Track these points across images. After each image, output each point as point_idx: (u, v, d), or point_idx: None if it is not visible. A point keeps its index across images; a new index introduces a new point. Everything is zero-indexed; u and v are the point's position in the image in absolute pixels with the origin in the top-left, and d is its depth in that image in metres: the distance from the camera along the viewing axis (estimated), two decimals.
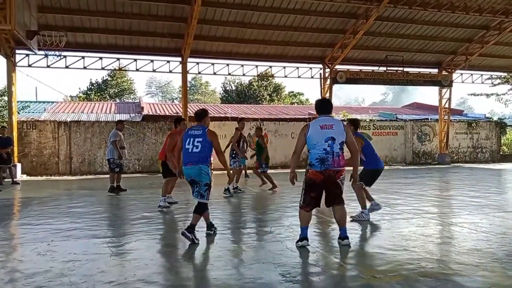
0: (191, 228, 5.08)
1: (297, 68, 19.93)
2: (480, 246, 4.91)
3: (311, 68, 20.12)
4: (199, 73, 19.53)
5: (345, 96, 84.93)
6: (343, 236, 4.94)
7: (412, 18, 18.01)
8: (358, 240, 5.30)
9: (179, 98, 47.76)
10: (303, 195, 4.94)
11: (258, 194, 10.37)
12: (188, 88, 18.77)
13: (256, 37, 17.78)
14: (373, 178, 6.64)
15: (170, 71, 18.13)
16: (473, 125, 23.70)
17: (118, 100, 36.61)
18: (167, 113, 21.55)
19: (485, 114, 29.59)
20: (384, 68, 20.15)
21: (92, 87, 40.49)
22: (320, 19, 17.30)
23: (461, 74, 22.47)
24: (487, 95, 28.42)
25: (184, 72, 17.69)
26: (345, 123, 5.06)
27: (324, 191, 4.88)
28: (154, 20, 15.87)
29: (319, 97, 20.34)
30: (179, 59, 17.56)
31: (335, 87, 20.48)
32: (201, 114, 5.53)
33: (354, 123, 6.71)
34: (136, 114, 20.85)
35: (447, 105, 22.06)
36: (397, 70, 20.24)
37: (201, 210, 5.25)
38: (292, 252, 4.69)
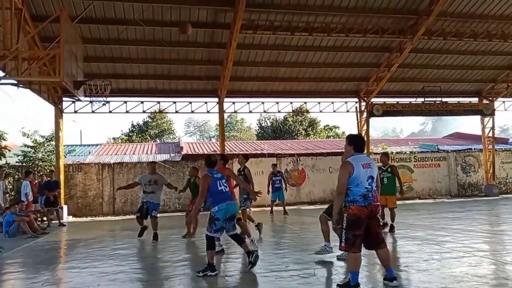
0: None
1: (332, 103, 19.98)
2: None
3: (346, 102, 20.12)
4: (235, 111, 19.95)
5: (381, 127, 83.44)
6: (391, 277, 4.80)
7: (448, 49, 17.81)
8: (406, 282, 5.08)
9: (216, 136, 48.63)
10: (344, 235, 4.73)
11: (296, 232, 10.21)
12: (224, 126, 19.15)
13: (290, 75, 18.08)
14: None
15: (208, 112, 18.62)
16: None
17: (158, 141, 37.72)
18: (205, 152, 21.93)
19: None
20: (422, 99, 19.84)
21: (134, 129, 41.99)
22: (353, 54, 17.44)
23: (504, 102, 21.75)
24: None
25: (221, 112, 18.12)
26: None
27: (365, 229, 4.71)
28: (191, 64, 16.52)
29: (356, 130, 20.16)
30: (216, 99, 18.05)
31: (373, 119, 20.28)
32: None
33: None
34: (176, 154, 21.35)
35: (490, 134, 21.28)
36: (435, 101, 19.86)
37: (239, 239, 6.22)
38: None
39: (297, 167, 19.65)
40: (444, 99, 19.99)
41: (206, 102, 18.42)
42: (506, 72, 19.70)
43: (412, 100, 20.06)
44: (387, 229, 9.02)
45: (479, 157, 21.77)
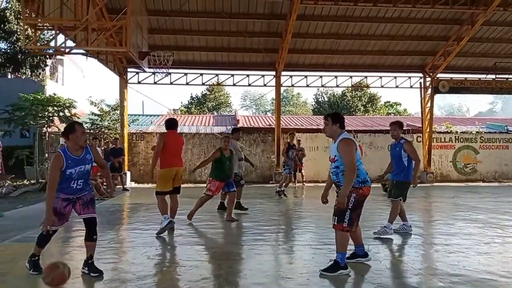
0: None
1: (395, 77, 19.17)
2: None
3: (410, 78, 19.22)
4: (293, 85, 19.76)
5: (447, 105, 79.33)
6: (365, 253, 4.94)
7: None
8: (466, 264, 4.90)
9: (271, 110, 48.70)
10: (349, 215, 4.47)
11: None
12: (280, 100, 19.10)
13: (351, 47, 17.52)
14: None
15: (265, 85, 18.63)
16: None
17: (215, 113, 38.48)
18: (261, 125, 22.08)
19: None
20: (493, 76, 18.51)
21: (193, 101, 43.09)
22: (420, 26, 16.52)
23: None
24: None
25: (278, 86, 18.06)
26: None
27: None
28: (250, 36, 16.49)
29: (419, 107, 19.35)
30: (273, 73, 17.98)
31: (438, 96, 19.30)
32: None
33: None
34: (232, 126, 21.70)
35: None
36: (507, 78, 18.46)
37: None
38: (391, 273, 4.53)
39: None
40: None
41: (263, 75, 18.41)
42: None
43: (482, 77, 18.79)
44: None
45: None
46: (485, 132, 20.67)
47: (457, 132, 20.37)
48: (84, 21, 10.26)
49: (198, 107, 39.81)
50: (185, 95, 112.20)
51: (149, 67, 13.73)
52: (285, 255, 5.56)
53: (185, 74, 18.17)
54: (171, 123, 6.98)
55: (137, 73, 17.63)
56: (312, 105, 47.13)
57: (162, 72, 14.11)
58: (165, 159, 6.64)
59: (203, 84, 18.94)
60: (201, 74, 18.25)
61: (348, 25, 16.32)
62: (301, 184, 16.04)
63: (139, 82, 17.95)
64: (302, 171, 16.00)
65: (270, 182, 17.32)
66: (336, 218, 4.52)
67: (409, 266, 4.77)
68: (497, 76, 18.49)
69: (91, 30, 10.62)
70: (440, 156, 19.20)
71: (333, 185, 4.78)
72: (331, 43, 17.22)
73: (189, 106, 41.18)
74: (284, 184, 12.29)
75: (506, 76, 18.50)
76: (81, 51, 13.03)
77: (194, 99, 43.65)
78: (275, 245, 6.01)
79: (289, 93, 58.68)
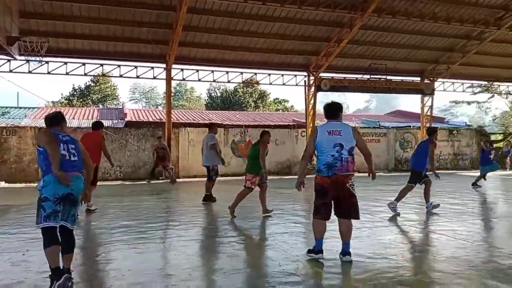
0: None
1: (282, 75, 20.02)
2: (457, 254, 4.96)
3: (295, 76, 20.24)
4: (184, 79, 19.47)
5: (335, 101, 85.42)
6: (345, 251, 4.68)
7: (396, 27, 18.27)
8: (339, 249, 5.28)
9: (163, 104, 47.51)
10: (314, 202, 4.80)
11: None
12: (172, 94, 18.69)
13: (241, 44, 17.81)
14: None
15: (154, 77, 18.05)
16: (454, 132, 24.07)
17: (101, 106, 36.25)
18: (151, 119, 21.41)
19: (466, 122, 30.07)
20: (368, 76, 20.38)
21: (75, 93, 40.04)
22: (305, 27, 17.44)
23: (443, 82, 22.85)
24: (468, 103, 29.02)
25: (168, 79, 17.62)
26: (353, 127, 4.85)
27: (334, 199, 4.69)
28: (138, 26, 15.80)
29: (304, 104, 20.49)
30: (164, 65, 17.49)
31: (321, 94, 20.66)
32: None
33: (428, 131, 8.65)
34: (119, 120, 20.65)
35: (429, 113, 22.38)
36: (380, 78, 20.49)
37: (75, 243, 4.06)
38: (272, 261, 4.68)
39: (244, 138, 19.68)
40: (389, 77, 20.68)
41: (152, 68, 17.81)
42: (447, 54, 20.61)
43: (359, 76, 20.56)
44: None
45: (417, 134, 22.91)
46: (360, 127, 22.67)
47: None
48: None
49: (81, 100, 37.12)
50: (67, 86, 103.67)
51: (20, 54, 12.34)
52: (168, 251, 5.41)
53: (65, 63, 16.73)
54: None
55: (9, 60, 15.74)
56: (205, 100, 47.08)
57: (35, 60, 12.79)
58: None
59: (85, 74, 17.61)
60: (84, 64, 17.00)
61: (238, 22, 16.56)
62: (171, 180, 15.06)
63: (11, 71, 16.08)
64: (168, 167, 15.54)
65: (160, 178, 16.86)
66: None
67: (289, 253, 4.97)
68: (372, 76, 20.38)
69: None
70: None
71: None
72: (222, 39, 17.30)
73: (71, 98, 38.19)
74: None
75: (379, 76, 20.48)
76: None
77: (77, 90, 40.59)
78: (159, 243, 5.82)
79: (183, 87, 57.84)
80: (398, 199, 8.05)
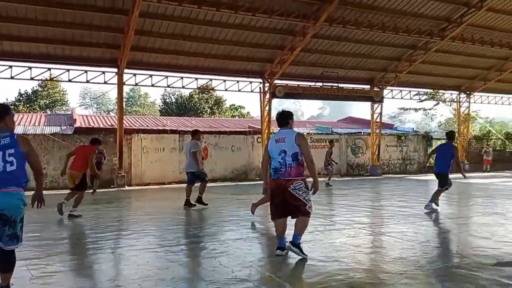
0: None
1: (238, 82, 20.07)
2: (405, 255, 5.14)
3: (251, 82, 20.35)
4: (136, 84, 19.03)
5: (285, 109, 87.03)
6: (293, 242, 4.95)
7: (347, 37, 18.83)
8: (291, 253, 5.33)
9: (115, 110, 46.29)
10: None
11: (195, 209, 10.20)
12: (126, 100, 18.24)
13: (196, 50, 17.69)
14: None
15: (105, 82, 17.54)
16: (402, 138, 25.13)
17: (49, 112, 34.74)
18: (101, 126, 20.74)
19: (413, 128, 31.49)
20: (321, 84, 20.86)
21: (21, 98, 38.14)
22: (259, 34, 17.60)
23: (392, 90, 23.81)
24: (415, 110, 30.38)
25: (120, 84, 17.16)
26: (298, 134, 5.09)
27: (282, 201, 5.03)
28: (88, 29, 15.30)
29: (260, 111, 20.64)
30: (115, 70, 17.03)
31: (277, 101, 20.90)
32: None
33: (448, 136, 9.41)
34: (68, 126, 19.85)
35: (378, 120, 23.22)
36: (332, 86, 21.03)
37: (14, 262, 3.71)
38: (225, 268, 4.63)
39: (200, 144, 19.50)
40: (341, 85, 21.28)
41: (104, 72, 17.30)
42: (395, 63, 21.51)
43: (312, 84, 21.00)
44: None
45: (367, 140, 23.71)
46: (314, 134, 23.14)
47: None
48: None
49: (28, 105, 35.41)
50: (13, 91, 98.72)
51: None
52: (118, 262, 5.23)
53: (10, 66, 15.93)
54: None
55: None
56: (160, 106, 46.30)
57: None
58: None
59: (32, 79, 16.79)
60: (30, 68, 16.23)
61: (193, 27, 16.44)
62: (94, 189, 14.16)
63: None
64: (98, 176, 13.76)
65: (112, 186, 16.35)
66: None
67: (242, 259, 4.95)
68: (324, 83, 20.89)
69: None
70: None
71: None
72: (176, 44, 17.10)
73: (17, 103, 36.34)
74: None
75: (331, 84, 21.02)
76: None
77: (23, 95, 38.69)
78: (108, 253, 5.62)
79: (136, 93, 56.65)
80: (432, 200, 8.94)
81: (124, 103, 18.42)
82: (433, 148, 11.13)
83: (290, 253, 5.06)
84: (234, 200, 11.28)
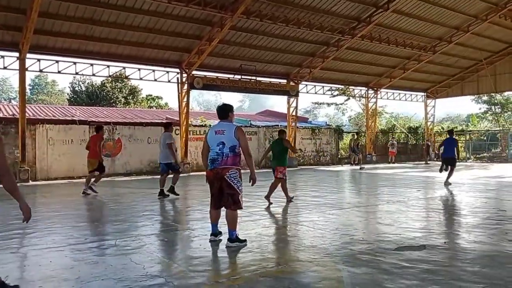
0: None
1: (153, 71, 19.38)
2: (315, 243, 5.36)
3: (168, 72, 19.77)
4: (41, 71, 17.54)
5: (205, 102, 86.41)
6: (230, 238, 5.18)
7: (264, 31, 19.07)
8: (207, 246, 5.29)
9: (17, 98, 42.46)
10: None
11: (106, 204, 9.71)
12: (31, 87, 16.79)
13: (108, 35, 16.73)
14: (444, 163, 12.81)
15: (5, 68, 15.93)
16: (316, 131, 26.27)
17: None
18: (1, 115, 18.84)
19: (326, 122, 33.06)
20: (239, 77, 20.97)
21: None
22: (176, 23, 17.13)
23: (306, 85, 24.70)
24: (328, 105, 31.93)
25: (22, 69, 15.67)
26: (238, 128, 5.36)
27: (218, 190, 5.22)
28: None
29: (178, 102, 20.19)
30: (17, 54, 15.54)
31: (196, 92, 20.60)
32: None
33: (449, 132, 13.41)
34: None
35: (294, 113, 23.98)
36: (250, 79, 21.26)
37: None
38: (136, 265, 4.45)
39: (112, 136, 18.62)
40: (258, 78, 21.58)
41: (3, 56, 15.70)
42: (310, 58, 22.30)
43: (231, 76, 21.03)
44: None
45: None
46: None
47: (211, 125, 22.22)
48: None
49: None
50: None
51: None
52: (18, 263, 4.78)
53: None
54: None
55: None
56: (68, 94, 43.26)
57: None
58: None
59: None
60: None
61: (104, 11, 15.49)
62: None
63: None
64: None
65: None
66: None
67: (155, 255, 4.80)
68: (243, 76, 21.03)
69: None
70: (196, 147, 20.46)
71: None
72: (85, 28, 16.01)
73: None
74: None
75: (250, 77, 21.23)
76: None
77: None
78: (8, 253, 5.10)
79: (43, 80, 52.36)
80: (449, 177, 12.30)
81: (28, 91, 16.88)
82: (441, 141, 15.16)
83: (208, 244, 5.07)
84: (149, 194, 10.93)
